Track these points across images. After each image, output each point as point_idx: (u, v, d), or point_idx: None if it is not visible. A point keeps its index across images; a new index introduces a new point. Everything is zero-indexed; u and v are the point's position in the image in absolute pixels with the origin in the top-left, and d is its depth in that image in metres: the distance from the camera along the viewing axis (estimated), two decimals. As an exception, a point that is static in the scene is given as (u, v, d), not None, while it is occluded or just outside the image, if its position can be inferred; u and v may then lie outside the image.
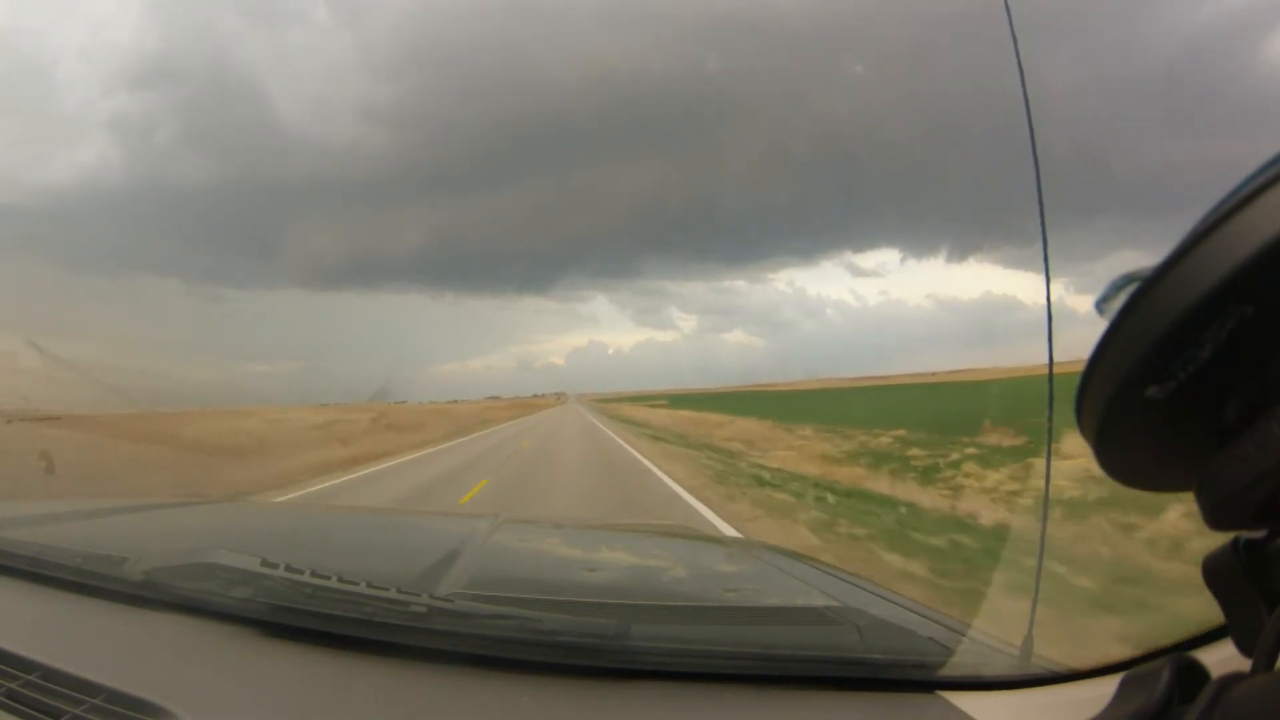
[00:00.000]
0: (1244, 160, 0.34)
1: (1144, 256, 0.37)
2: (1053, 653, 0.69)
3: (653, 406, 51.28)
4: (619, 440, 16.23)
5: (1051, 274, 0.76)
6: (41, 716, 0.62)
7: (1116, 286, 0.40)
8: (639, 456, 11.60)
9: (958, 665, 0.68)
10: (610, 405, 72.16)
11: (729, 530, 4.88)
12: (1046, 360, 0.71)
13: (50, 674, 0.66)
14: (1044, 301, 0.75)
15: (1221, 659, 0.49)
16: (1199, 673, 0.48)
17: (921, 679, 0.68)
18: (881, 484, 7.43)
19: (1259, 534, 0.42)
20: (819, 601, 0.96)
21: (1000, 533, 4.77)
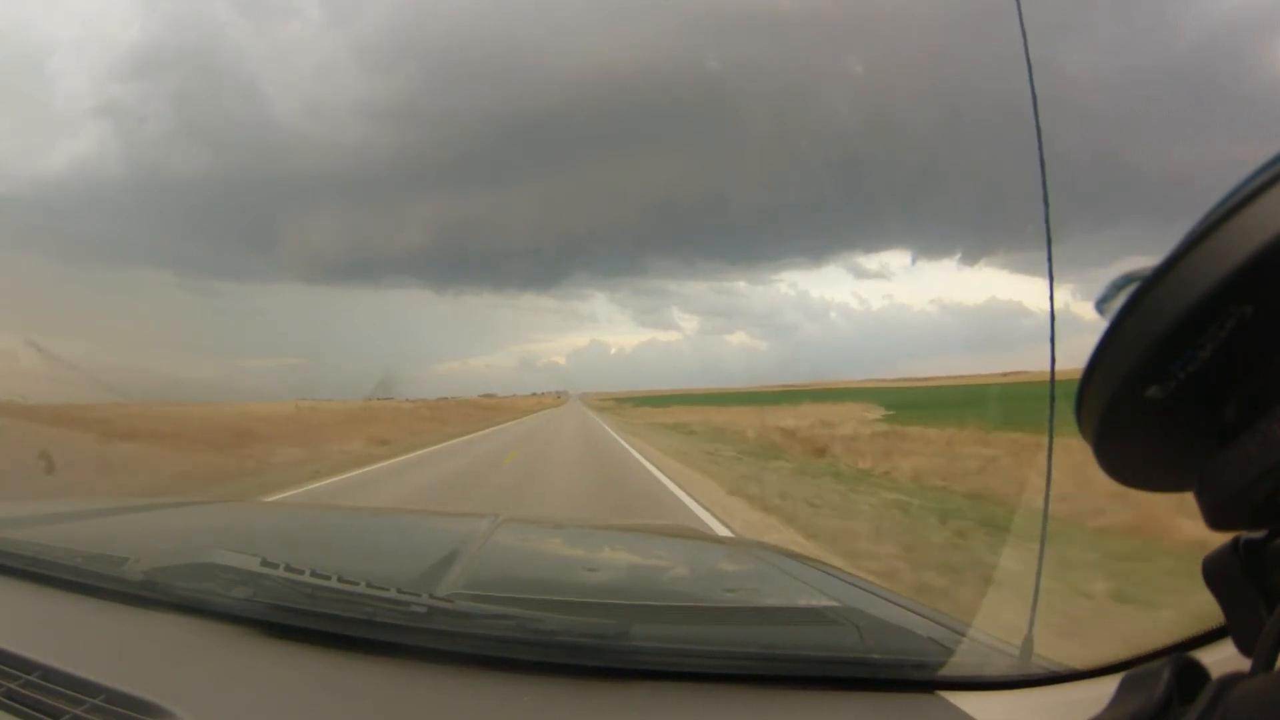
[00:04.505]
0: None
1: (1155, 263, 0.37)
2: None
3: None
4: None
5: (1058, 279, 0.76)
6: (41, 716, 0.62)
7: (1116, 286, 0.40)
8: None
9: (958, 665, 0.68)
10: (648, 414, 35.80)
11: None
12: (1051, 369, 0.71)
13: (50, 674, 0.66)
14: (1049, 307, 0.75)
15: (1221, 659, 0.49)
16: (1199, 673, 0.48)
17: (921, 679, 0.68)
18: None
19: (1259, 534, 0.42)
20: (819, 601, 0.96)
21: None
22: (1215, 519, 0.40)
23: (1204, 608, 0.49)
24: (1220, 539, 0.44)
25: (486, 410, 46.11)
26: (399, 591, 0.73)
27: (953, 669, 0.68)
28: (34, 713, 0.62)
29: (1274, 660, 0.39)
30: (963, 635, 0.76)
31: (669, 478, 8.12)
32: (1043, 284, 0.76)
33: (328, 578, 0.74)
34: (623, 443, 14.46)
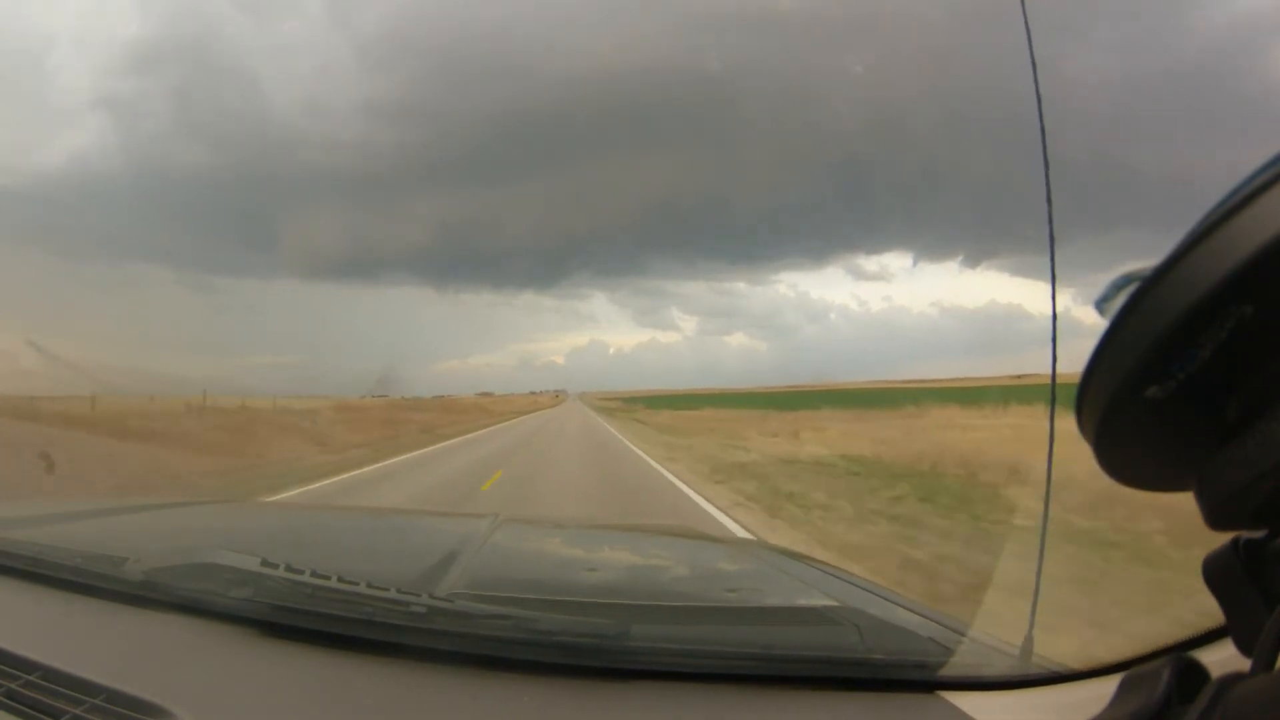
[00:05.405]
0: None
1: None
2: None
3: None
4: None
5: (1059, 283, 0.76)
6: (41, 716, 0.62)
7: (1117, 286, 0.40)
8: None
9: (958, 665, 0.68)
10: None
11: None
12: (1053, 369, 0.71)
13: (50, 674, 0.66)
14: (1049, 311, 0.75)
15: (1221, 659, 0.49)
16: (1199, 673, 0.48)
17: (921, 679, 0.68)
18: None
19: (1259, 534, 0.42)
20: (819, 601, 0.96)
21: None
22: (1215, 519, 0.40)
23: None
24: (1220, 539, 0.44)
25: (453, 415, 29.73)
26: (399, 591, 0.73)
27: (953, 669, 0.68)
28: (34, 713, 0.62)
29: (1274, 660, 0.39)
30: (963, 635, 0.76)
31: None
32: (1044, 287, 0.76)
33: (328, 578, 0.74)
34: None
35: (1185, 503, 0.42)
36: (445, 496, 7.47)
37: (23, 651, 0.70)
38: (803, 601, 0.99)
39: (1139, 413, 0.39)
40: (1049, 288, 0.76)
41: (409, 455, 12.13)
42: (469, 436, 18.34)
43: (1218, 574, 0.45)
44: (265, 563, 0.77)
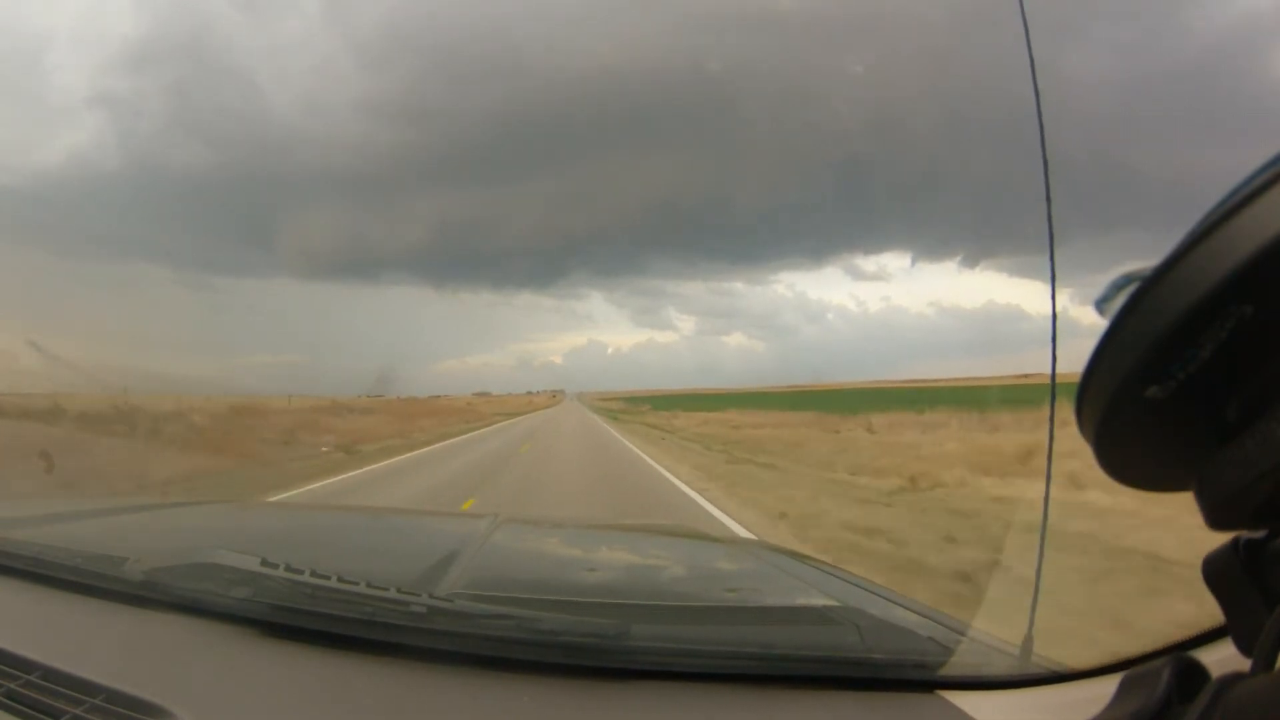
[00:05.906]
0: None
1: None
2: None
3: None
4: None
5: (1059, 283, 0.76)
6: (41, 716, 0.62)
7: (1116, 286, 0.40)
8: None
9: (958, 665, 0.68)
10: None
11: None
12: (1050, 369, 0.71)
13: (50, 674, 0.66)
14: (1048, 311, 0.75)
15: (1221, 659, 0.49)
16: (1199, 673, 0.48)
17: (921, 679, 0.68)
18: None
19: (1259, 534, 0.42)
20: (819, 601, 0.96)
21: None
22: (1215, 519, 0.40)
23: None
24: (1220, 539, 0.44)
25: (410, 421, 22.95)
26: (399, 591, 0.73)
27: (953, 669, 0.68)
28: (34, 713, 0.62)
29: (1274, 660, 0.39)
30: (963, 635, 0.76)
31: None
32: (1041, 287, 0.77)
33: (328, 578, 0.74)
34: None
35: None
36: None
37: (23, 651, 0.70)
38: (802, 601, 0.99)
39: (1139, 413, 0.39)
40: (1048, 288, 0.77)
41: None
42: (408, 457, 12.11)
43: (1218, 574, 0.45)
44: (265, 563, 0.77)
